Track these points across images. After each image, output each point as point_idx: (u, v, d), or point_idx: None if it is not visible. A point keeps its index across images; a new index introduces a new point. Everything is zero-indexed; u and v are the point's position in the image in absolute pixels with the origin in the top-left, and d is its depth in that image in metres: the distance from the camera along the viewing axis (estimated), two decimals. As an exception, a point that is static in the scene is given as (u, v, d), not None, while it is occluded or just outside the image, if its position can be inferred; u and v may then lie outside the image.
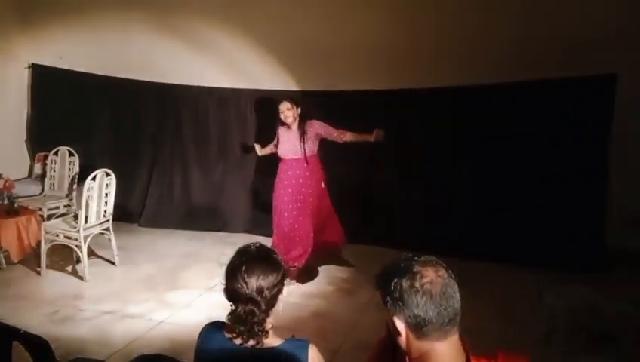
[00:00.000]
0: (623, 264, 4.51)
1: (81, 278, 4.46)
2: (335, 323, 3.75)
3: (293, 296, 4.08)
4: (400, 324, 1.28)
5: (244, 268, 1.52)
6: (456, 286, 1.27)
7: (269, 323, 1.55)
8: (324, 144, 4.63)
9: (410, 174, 5.25)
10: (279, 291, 1.56)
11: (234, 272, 1.53)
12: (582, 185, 4.71)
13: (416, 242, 4.84)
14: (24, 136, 6.54)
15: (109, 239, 4.76)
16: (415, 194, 5.23)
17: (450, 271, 1.30)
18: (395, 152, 5.25)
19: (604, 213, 4.71)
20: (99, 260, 4.89)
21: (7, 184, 4.70)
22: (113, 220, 4.78)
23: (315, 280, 4.53)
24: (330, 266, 4.85)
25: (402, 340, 1.30)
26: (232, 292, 1.54)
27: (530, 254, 4.70)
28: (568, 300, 4.03)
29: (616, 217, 4.70)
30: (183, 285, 4.40)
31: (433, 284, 1.24)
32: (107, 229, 4.73)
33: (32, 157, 6.46)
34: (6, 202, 4.68)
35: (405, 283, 1.27)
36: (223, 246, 5.28)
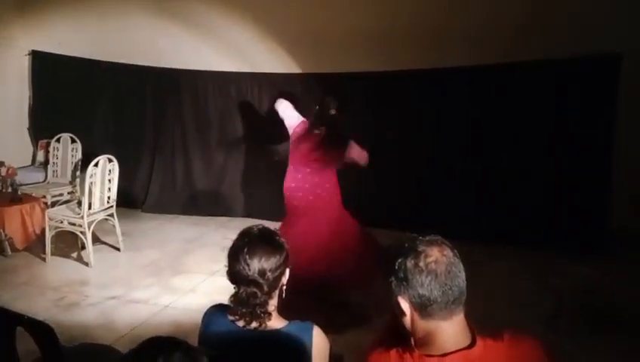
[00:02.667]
0: (626, 245, 4.49)
1: (86, 264, 4.47)
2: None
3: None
4: (404, 304, 1.27)
5: (246, 249, 1.50)
6: (462, 266, 1.25)
7: (272, 305, 1.54)
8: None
9: (414, 156, 5.21)
10: (282, 273, 1.54)
11: (236, 254, 1.51)
12: (586, 166, 4.67)
13: (420, 224, 4.85)
14: (26, 123, 6.52)
15: (113, 225, 4.76)
16: (419, 177, 5.19)
17: (456, 251, 1.28)
18: (399, 134, 5.21)
19: (608, 194, 4.67)
20: (103, 246, 4.90)
21: (9, 172, 4.69)
22: (117, 206, 4.78)
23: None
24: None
25: (407, 320, 1.29)
26: (234, 274, 1.52)
27: (534, 236, 4.70)
28: (572, 281, 4.04)
29: (621, 198, 4.66)
30: (187, 270, 4.41)
31: (438, 263, 1.22)
32: (111, 215, 4.73)
33: (35, 145, 6.45)
34: (9, 190, 4.67)
35: (410, 263, 1.25)
36: (225, 231, 5.27)
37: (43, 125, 6.40)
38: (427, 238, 1.30)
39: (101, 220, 4.64)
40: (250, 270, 1.48)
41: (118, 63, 6.04)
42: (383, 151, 5.30)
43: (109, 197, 4.65)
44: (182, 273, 4.34)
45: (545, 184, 4.81)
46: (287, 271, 1.57)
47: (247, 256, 1.49)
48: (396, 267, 1.27)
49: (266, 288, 1.49)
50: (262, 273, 1.49)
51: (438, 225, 5.02)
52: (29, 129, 6.53)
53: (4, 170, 4.73)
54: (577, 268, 4.26)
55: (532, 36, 4.61)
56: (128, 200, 5.85)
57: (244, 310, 1.50)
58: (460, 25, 4.82)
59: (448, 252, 1.26)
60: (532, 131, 4.82)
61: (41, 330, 1.96)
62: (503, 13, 4.69)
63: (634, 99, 4.47)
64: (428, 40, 4.94)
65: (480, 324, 1.29)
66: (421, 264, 1.23)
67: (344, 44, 5.24)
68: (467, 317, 1.27)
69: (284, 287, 1.58)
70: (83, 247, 4.57)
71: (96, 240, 4.80)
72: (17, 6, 6.27)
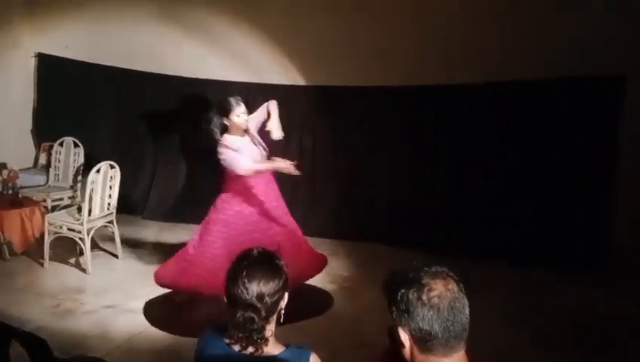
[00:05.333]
0: (626, 264, 4.44)
1: (83, 271, 4.45)
2: (337, 322, 3.71)
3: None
4: (404, 336, 1.25)
5: (244, 272, 1.48)
6: (466, 301, 1.23)
7: (269, 330, 1.51)
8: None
9: (416, 172, 5.20)
10: (280, 298, 1.52)
11: (235, 277, 1.49)
12: (586, 184, 4.67)
13: (421, 241, 4.86)
14: (30, 125, 6.52)
15: (113, 231, 4.74)
16: (420, 193, 5.18)
17: (462, 285, 1.25)
18: (401, 149, 5.22)
19: (609, 212, 4.66)
20: (102, 253, 4.88)
21: (11, 174, 4.68)
22: (117, 212, 4.76)
23: (318, 278, 4.48)
24: (334, 265, 4.81)
25: (406, 352, 1.27)
26: (232, 298, 1.50)
27: (533, 253, 4.69)
28: (570, 301, 4.01)
29: (621, 217, 4.64)
30: (185, 280, 4.36)
31: (441, 298, 1.20)
32: (110, 222, 4.71)
33: (37, 147, 6.44)
34: (10, 193, 4.66)
35: (412, 295, 1.23)
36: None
37: (46, 128, 6.39)
38: (432, 270, 1.27)
39: (100, 226, 4.62)
40: (248, 294, 1.46)
41: (122, 69, 6.05)
42: (384, 166, 5.32)
43: (109, 204, 4.63)
44: (179, 283, 4.30)
45: (544, 202, 4.80)
46: (286, 295, 1.55)
47: (246, 280, 1.46)
48: (398, 297, 1.25)
49: (263, 313, 1.46)
50: (260, 297, 1.46)
51: (433, 240, 5.07)
52: (32, 131, 6.53)
53: (5, 173, 4.72)
54: (575, 288, 4.23)
55: (535, 56, 4.60)
56: (128, 207, 5.81)
57: (240, 334, 1.47)
58: (464, 42, 4.82)
59: (453, 286, 1.23)
60: (532, 149, 4.82)
61: (35, 344, 1.93)
62: (509, 33, 4.69)
63: (636, 119, 4.47)
64: (435, 56, 4.94)
65: (475, 345, 1.26)
66: (424, 297, 1.21)
67: (350, 58, 5.25)
68: (468, 352, 1.24)
69: (282, 312, 1.55)
70: (81, 253, 4.54)
71: (94, 246, 4.77)
72: (25, 9, 6.29)
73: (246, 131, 3.72)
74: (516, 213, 4.85)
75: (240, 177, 3.61)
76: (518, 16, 4.69)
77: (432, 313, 1.19)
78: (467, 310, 1.22)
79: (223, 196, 3.79)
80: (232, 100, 3.67)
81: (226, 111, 3.66)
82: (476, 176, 5.00)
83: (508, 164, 4.89)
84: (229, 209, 3.73)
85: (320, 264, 4.08)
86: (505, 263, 4.61)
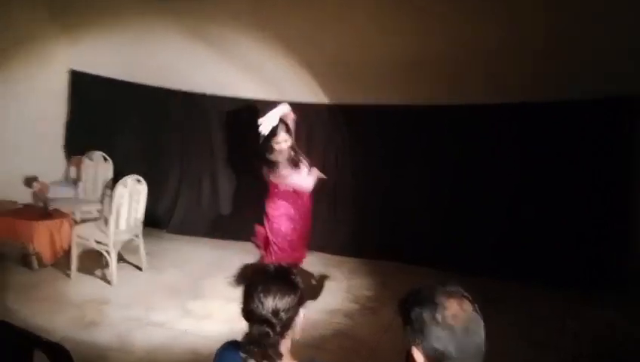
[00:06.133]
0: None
1: (108, 283, 4.53)
2: (357, 342, 3.69)
3: (316, 312, 4.04)
4: (419, 356, 1.24)
5: (260, 287, 1.49)
6: (482, 322, 1.21)
7: (284, 345, 1.52)
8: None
9: (436, 191, 5.17)
10: (295, 313, 1.52)
11: (250, 291, 1.50)
12: (608, 205, 4.60)
13: (441, 260, 4.81)
14: (61, 139, 6.71)
15: (138, 244, 4.82)
16: (441, 212, 5.15)
17: (476, 305, 1.23)
18: (422, 168, 5.20)
19: (631, 233, 4.55)
20: (127, 265, 4.95)
21: (42, 187, 4.82)
22: (142, 226, 4.84)
23: (339, 297, 4.47)
24: (355, 283, 4.79)
25: (422, 372, 1.25)
26: (248, 313, 1.51)
27: (554, 274, 4.62)
28: (591, 323, 3.91)
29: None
30: (206, 294, 4.41)
31: (456, 318, 1.19)
32: (136, 235, 4.79)
33: (68, 161, 6.62)
34: (40, 205, 4.79)
35: (427, 315, 1.22)
36: (247, 256, 5.28)
37: (77, 142, 6.56)
38: (447, 289, 1.26)
39: (127, 239, 4.70)
40: (263, 309, 1.47)
41: (152, 86, 6.20)
42: (405, 185, 5.30)
43: (135, 218, 4.72)
44: (201, 297, 4.35)
45: (565, 222, 4.73)
46: (302, 312, 1.55)
47: (262, 295, 1.48)
48: (412, 317, 1.24)
49: (278, 328, 1.47)
50: (275, 312, 1.47)
51: (454, 259, 5.02)
52: (63, 145, 6.71)
53: (37, 186, 4.87)
54: (597, 308, 4.13)
55: (552, 76, 4.55)
56: (153, 220, 5.91)
57: (255, 349, 1.48)
58: (486, 63, 4.80)
59: (468, 306, 1.22)
60: (553, 169, 4.76)
61: (58, 354, 1.97)
62: (526, 52, 4.64)
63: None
64: (453, 76, 4.92)
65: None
66: (438, 317, 1.20)
67: (374, 76, 5.27)
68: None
69: (298, 328, 1.55)
70: (107, 265, 4.62)
71: (120, 258, 4.85)
72: (58, 27, 6.51)
73: (292, 148, 3.99)
74: (538, 234, 4.79)
75: (278, 191, 4.11)
76: (537, 38, 4.64)
77: (446, 333, 1.18)
78: (482, 331, 1.20)
79: (271, 206, 4.21)
80: (277, 129, 3.86)
81: (266, 142, 3.94)
82: (498, 195, 4.96)
83: (529, 184, 4.85)
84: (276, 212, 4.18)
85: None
86: (527, 283, 4.56)
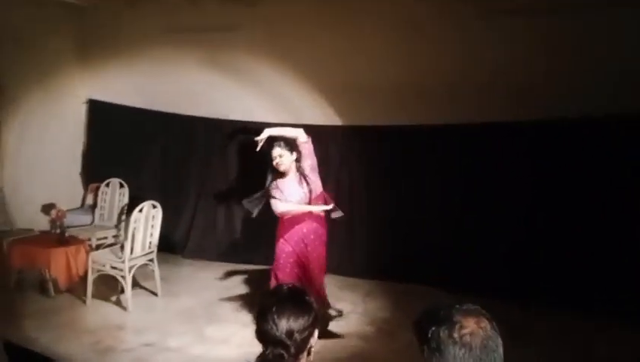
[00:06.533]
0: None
1: (124, 308, 4.53)
2: (373, 365, 3.62)
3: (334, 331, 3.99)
4: (436, 376, 1.20)
5: (274, 308, 1.48)
6: (500, 340, 1.18)
7: (299, 367, 1.49)
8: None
9: (451, 211, 5.11)
10: (310, 334, 1.50)
11: (264, 313, 1.49)
12: (631, 224, 4.43)
13: (457, 281, 4.73)
14: (79, 167, 6.81)
15: (153, 270, 4.83)
16: (457, 233, 5.08)
17: (494, 323, 1.21)
18: (439, 188, 5.15)
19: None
20: (142, 291, 4.96)
21: (59, 214, 4.88)
22: (158, 250, 4.86)
23: (355, 320, 4.41)
24: (371, 306, 4.73)
25: (439, 393, 1.21)
26: (262, 334, 1.50)
27: (579, 298, 4.44)
28: (621, 349, 3.76)
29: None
30: (221, 319, 4.39)
31: (473, 336, 1.16)
32: (151, 260, 4.81)
33: (85, 188, 6.71)
34: (57, 231, 4.84)
35: (443, 333, 1.20)
36: (263, 280, 5.25)
37: (95, 170, 6.66)
38: (464, 307, 1.24)
39: (141, 265, 4.72)
40: (278, 330, 1.45)
41: (168, 113, 6.30)
42: (421, 206, 5.26)
43: (150, 243, 4.74)
44: (216, 322, 4.32)
45: (592, 243, 4.56)
46: (316, 332, 1.53)
47: (276, 316, 1.47)
48: (429, 335, 1.22)
49: (293, 350, 1.45)
50: (289, 334, 1.46)
51: (470, 281, 4.89)
52: (81, 173, 6.82)
53: (54, 213, 4.92)
54: (627, 335, 3.97)
55: (567, 93, 4.52)
56: (169, 246, 5.94)
57: (270, 372, 1.46)
58: (500, 81, 4.80)
59: (486, 324, 1.19)
60: (578, 191, 4.64)
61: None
62: (535, 70, 4.64)
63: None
64: (471, 95, 4.92)
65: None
66: (455, 335, 1.17)
67: (388, 98, 5.30)
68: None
69: (312, 349, 1.53)
70: (122, 291, 4.63)
71: (135, 284, 4.87)
72: (77, 57, 6.69)
73: (298, 169, 3.93)
74: (566, 257, 4.63)
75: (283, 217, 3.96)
76: (551, 56, 4.64)
77: (463, 351, 1.15)
78: (501, 349, 1.17)
79: (278, 232, 4.09)
80: (274, 144, 3.90)
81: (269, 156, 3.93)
82: (516, 216, 4.87)
83: (553, 206, 4.73)
84: (277, 246, 4.06)
85: None
86: (549, 308, 4.43)
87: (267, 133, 3.93)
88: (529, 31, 4.68)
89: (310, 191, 3.91)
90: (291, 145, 3.91)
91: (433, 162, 5.19)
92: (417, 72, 5.18)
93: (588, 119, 4.49)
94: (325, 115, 5.62)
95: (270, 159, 3.92)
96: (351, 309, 4.61)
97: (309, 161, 3.94)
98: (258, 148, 3.92)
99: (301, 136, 3.90)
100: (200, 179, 6.32)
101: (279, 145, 3.87)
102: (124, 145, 6.51)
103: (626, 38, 4.38)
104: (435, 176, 5.18)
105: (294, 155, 3.91)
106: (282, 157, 3.87)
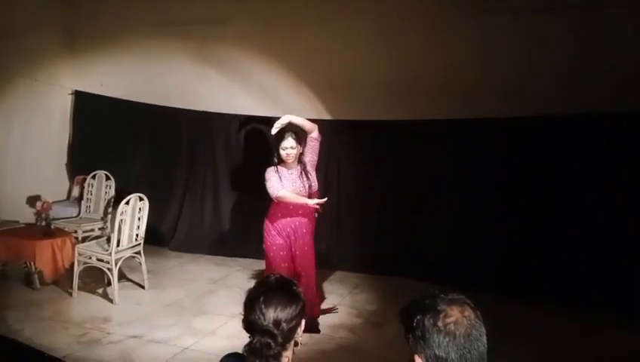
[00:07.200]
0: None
1: (110, 301, 4.50)
2: (361, 358, 3.65)
3: (320, 327, 4.01)
4: (421, 363, 1.22)
5: (262, 298, 1.49)
6: (484, 329, 1.20)
7: (286, 357, 1.51)
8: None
9: (442, 206, 5.13)
10: (297, 324, 1.52)
11: (252, 303, 1.50)
12: (628, 223, 4.41)
13: (446, 276, 4.74)
14: (65, 159, 6.75)
15: (140, 262, 4.81)
16: (447, 227, 5.10)
17: (479, 313, 1.23)
18: (426, 182, 5.17)
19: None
20: (129, 283, 4.94)
21: (44, 206, 4.82)
22: (145, 244, 4.84)
23: (343, 312, 4.43)
24: (359, 298, 4.76)
25: (424, 381, 1.23)
26: (249, 324, 1.50)
27: (574, 293, 4.43)
28: (617, 347, 3.77)
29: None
30: (209, 311, 4.38)
31: (457, 325, 1.18)
32: (138, 253, 4.79)
33: (71, 180, 6.65)
34: (43, 224, 4.80)
35: (428, 322, 1.21)
36: (249, 273, 5.28)
37: (81, 162, 6.61)
38: (449, 297, 1.26)
39: (128, 257, 4.70)
40: (265, 320, 1.46)
41: (155, 105, 6.25)
42: (411, 200, 5.28)
43: (137, 235, 4.72)
44: (204, 314, 4.32)
45: (589, 239, 4.53)
46: (303, 322, 1.54)
47: (263, 306, 1.47)
48: (414, 324, 1.24)
49: (280, 339, 1.46)
50: (277, 323, 1.47)
51: (459, 275, 4.86)
52: (67, 165, 6.75)
53: (39, 205, 4.87)
54: (623, 332, 3.98)
55: (564, 89, 4.56)
56: (156, 238, 5.92)
57: (257, 360, 1.47)
58: (492, 77, 4.82)
59: (470, 313, 1.21)
60: (577, 187, 4.60)
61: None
62: (540, 66, 4.67)
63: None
64: (463, 90, 4.94)
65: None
66: (440, 324, 1.19)
67: (377, 92, 5.31)
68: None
69: (300, 339, 1.54)
70: (109, 283, 4.60)
71: (122, 276, 4.84)
72: (64, 49, 6.61)
73: (300, 163, 3.94)
74: (561, 253, 4.61)
75: (277, 205, 3.93)
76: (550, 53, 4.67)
77: (447, 339, 1.17)
78: (484, 338, 1.19)
79: (265, 223, 4.06)
80: (285, 134, 3.88)
81: (276, 143, 3.90)
82: (511, 211, 4.85)
83: (550, 204, 4.71)
84: (267, 239, 4.04)
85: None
86: (545, 303, 4.42)
87: (287, 118, 3.92)
88: (517, 29, 4.72)
89: (310, 187, 3.93)
90: (300, 138, 3.93)
91: (423, 157, 5.19)
92: (406, 68, 5.21)
93: (589, 116, 4.46)
94: (314, 109, 5.61)
95: (277, 148, 3.90)
96: (339, 301, 4.63)
97: (310, 157, 3.98)
98: (274, 131, 3.91)
99: (315, 131, 3.95)
100: (187, 172, 6.30)
101: (292, 136, 3.88)
102: (110, 137, 6.46)
103: (612, 38, 4.42)
104: (424, 171, 5.19)
105: (300, 149, 3.94)
106: (294, 149, 3.88)
